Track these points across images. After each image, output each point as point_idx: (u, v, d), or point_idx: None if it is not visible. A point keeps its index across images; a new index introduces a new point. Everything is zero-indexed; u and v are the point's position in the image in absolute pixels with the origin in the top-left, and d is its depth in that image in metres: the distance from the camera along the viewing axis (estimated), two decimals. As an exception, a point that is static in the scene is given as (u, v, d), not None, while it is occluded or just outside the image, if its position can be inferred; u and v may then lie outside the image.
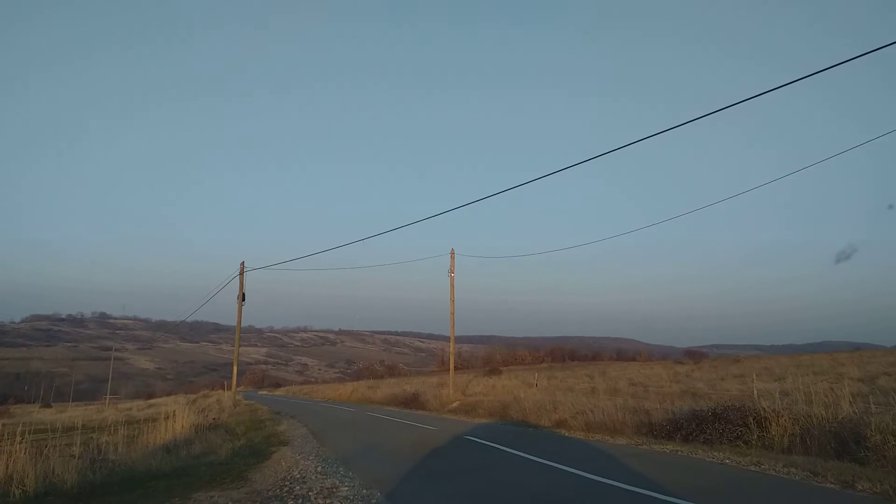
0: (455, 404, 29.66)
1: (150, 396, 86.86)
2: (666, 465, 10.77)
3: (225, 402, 37.93)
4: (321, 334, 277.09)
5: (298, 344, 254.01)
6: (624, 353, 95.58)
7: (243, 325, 37.69)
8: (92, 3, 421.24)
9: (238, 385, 40.64)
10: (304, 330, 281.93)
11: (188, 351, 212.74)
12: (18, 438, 10.93)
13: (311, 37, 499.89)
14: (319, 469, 11.46)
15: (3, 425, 34.47)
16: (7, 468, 10.11)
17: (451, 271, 32.73)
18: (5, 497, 9.33)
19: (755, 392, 17.85)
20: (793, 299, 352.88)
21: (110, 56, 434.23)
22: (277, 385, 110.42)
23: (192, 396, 55.87)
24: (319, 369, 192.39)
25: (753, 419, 12.89)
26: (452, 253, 32.87)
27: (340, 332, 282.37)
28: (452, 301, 32.81)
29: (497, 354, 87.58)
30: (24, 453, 10.61)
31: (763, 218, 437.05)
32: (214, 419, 23.32)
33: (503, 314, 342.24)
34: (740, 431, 12.89)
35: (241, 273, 35.67)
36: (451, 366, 35.23)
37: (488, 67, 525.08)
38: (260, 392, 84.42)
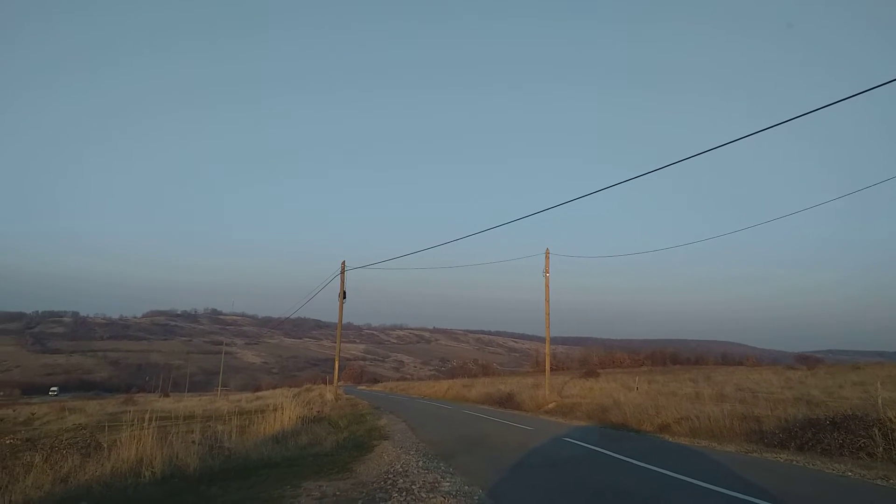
0: (551, 405, 29.36)
1: (257, 389, 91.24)
2: (780, 475, 10.22)
3: (327, 396, 39.31)
4: (416, 332, 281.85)
5: (395, 341, 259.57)
6: (730, 357, 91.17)
7: (343, 322, 38.92)
8: None
9: (338, 380, 41.97)
10: (400, 328, 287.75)
11: (291, 346, 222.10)
12: (146, 424, 11.83)
13: (401, 37, 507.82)
14: (421, 464, 11.66)
15: (129, 412, 37.39)
16: (137, 452, 10.97)
17: (546, 271, 32.40)
18: (137, 477, 10.11)
19: (880, 401, 16.61)
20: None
21: (218, 47, 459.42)
22: (375, 381, 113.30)
23: (295, 390, 58.21)
24: (415, 366, 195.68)
25: (878, 430, 12.00)
26: (547, 253, 32.55)
27: (435, 331, 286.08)
28: (547, 301, 32.48)
29: (593, 356, 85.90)
30: (152, 439, 11.46)
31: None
32: (318, 412, 24.19)
33: (600, 315, 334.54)
34: (863, 443, 12.02)
35: (342, 272, 36.83)
36: (547, 366, 34.91)
37: (582, 63, 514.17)
38: (359, 387, 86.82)
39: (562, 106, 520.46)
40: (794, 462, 11.57)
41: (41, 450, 11.77)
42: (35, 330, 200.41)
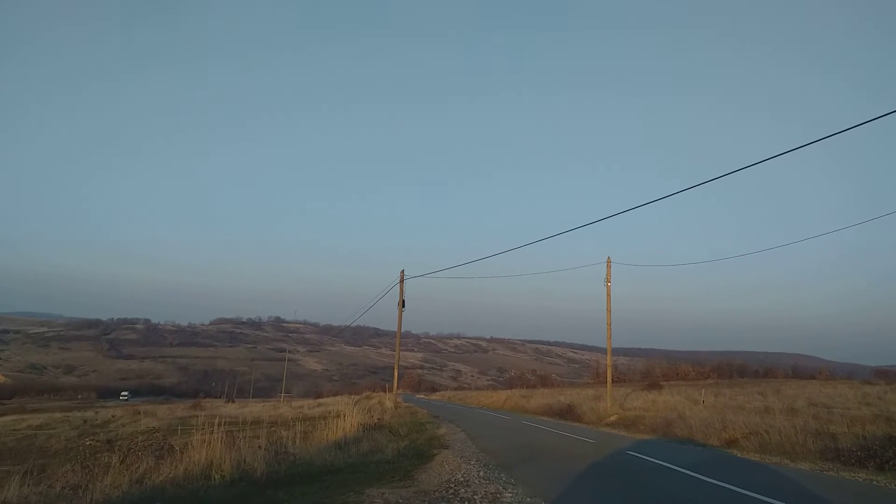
0: (613, 418, 28.81)
1: (319, 396, 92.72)
2: (859, 495, 9.75)
3: (386, 403, 39.66)
4: (473, 341, 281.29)
5: (452, 350, 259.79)
6: (801, 370, 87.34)
7: (401, 330, 39.22)
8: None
9: (397, 388, 42.31)
10: (458, 337, 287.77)
11: (351, 354, 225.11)
12: (215, 429, 12.22)
13: (465, 47, 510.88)
14: (482, 474, 11.63)
15: (197, 417, 38.67)
16: (207, 455, 11.35)
17: (608, 280, 31.85)
18: (207, 480, 10.46)
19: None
20: None
21: (276, 58, 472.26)
22: (433, 389, 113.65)
23: (355, 397, 58.93)
24: (472, 376, 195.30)
25: (971, 451, 11.31)
26: (609, 262, 32.03)
27: (492, 340, 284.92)
28: (609, 311, 31.93)
29: (656, 368, 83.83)
30: (220, 443, 11.84)
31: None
32: (378, 420, 24.44)
33: (663, 326, 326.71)
34: (952, 464, 11.35)
35: (401, 281, 37.17)
36: (609, 378, 34.28)
37: (634, 73, 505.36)
38: (417, 396, 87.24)
39: (605, 114, 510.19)
40: (875, 482, 11.01)
41: (118, 451, 12.30)
42: (110, 336, 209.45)
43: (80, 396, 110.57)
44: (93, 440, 15.34)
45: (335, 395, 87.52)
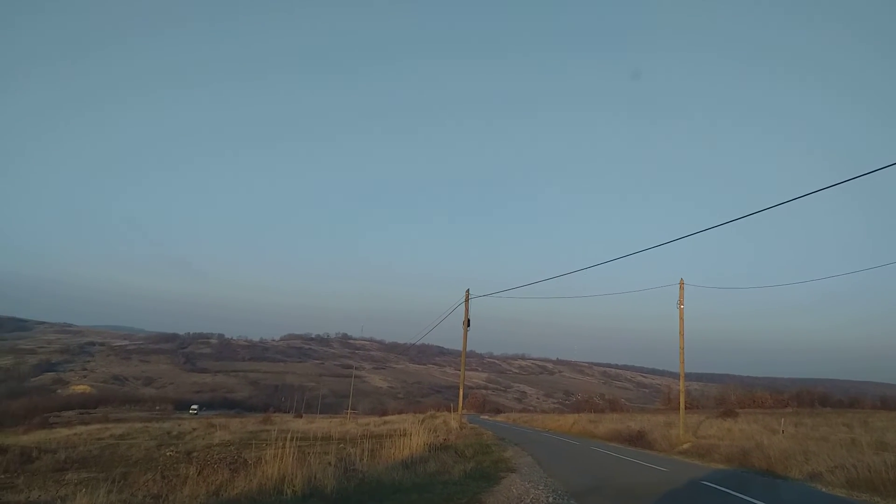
0: (686, 446, 27.79)
1: (384, 413, 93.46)
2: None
3: (451, 423, 39.54)
4: (539, 363, 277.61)
5: (517, 371, 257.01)
6: (890, 400, 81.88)
7: (466, 349, 39.15)
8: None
9: (462, 408, 42.13)
10: (523, 357, 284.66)
11: (416, 372, 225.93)
12: (287, 444, 12.47)
13: (540, 67, 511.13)
14: (550, 500, 11.43)
15: (267, 431, 39.63)
16: (279, 470, 11.59)
17: (680, 303, 30.91)
18: (279, 495, 10.67)
19: None
20: None
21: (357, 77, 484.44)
22: (497, 411, 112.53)
23: (420, 416, 59.03)
24: (537, 398, 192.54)
25: None
26: (681, 283, 31.09)
27: (558, 362, 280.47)
28: (682, 335, 30.95)
29: (731, 395, 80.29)
30: (292, 458, 12.07)
31: None
32: (444, 440, 24.40)
33: (738, 351, 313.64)
34: None
35: (467, 300, 37.17)
36: (682, 404, 33.15)
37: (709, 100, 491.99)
38: (482, 417, 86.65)
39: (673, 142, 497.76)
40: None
41: (195, 463, 12.73)
42: (186, 350, 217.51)
43: (157, 408, 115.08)
44: (172, 451, 15.93)
45: (400, 412, 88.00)
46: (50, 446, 29.36)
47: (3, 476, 20.25)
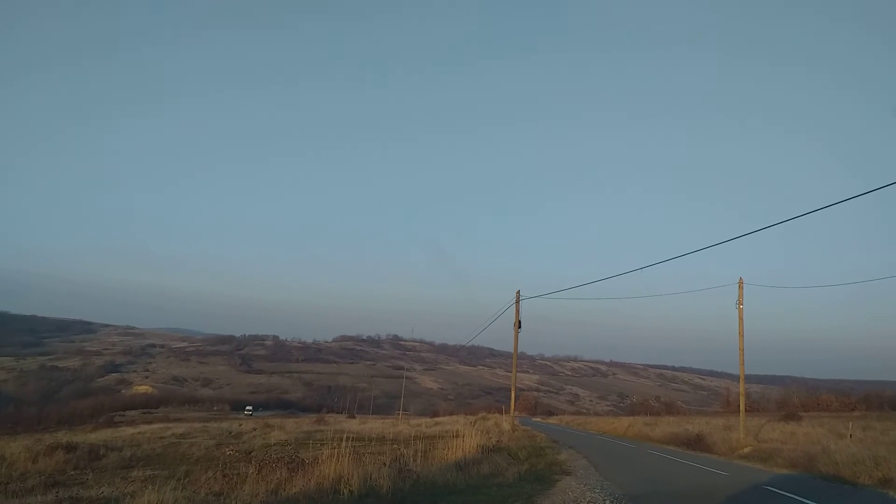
0: (746, 450, 26.96)
1: (435, 414, 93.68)
2: None
3: (503, 425, 39.40)
4: (592, 365, 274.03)
5: (569, 373, 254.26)
6: (966, 405, 77.84)
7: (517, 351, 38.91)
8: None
9: (514, 410, 41.89)
10: (575, 359, 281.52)
11: (466, 373, 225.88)
12: (343, 444, 12.61)
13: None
14: (607, 504, 11.24)
15: (321, 432, 40.21)
16: (336, 470, 11.72)
17: (740, 303, 30.01)
18: (336, 494, 10.80)
19: None
20: None
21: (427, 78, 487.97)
22: (549, 413, 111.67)
23: (471, 418, 58.99)
24: (591, 400, 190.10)
25: None
26: (741, 283, 30.18)
27: (612, 364, 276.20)
28: (741, 336, 30.06)
29: (794, 397, 77.51)
30: (348, 458, 12.20)
31: None
32: (497, 442, 24.31)
33: (801, 351, 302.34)
34: None
35: (517, 301, 36.94)
36: (742, 407, 32.18)
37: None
38: (533, 419, 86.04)
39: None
40: None
41: (254, 462, 12.99)
42: (242, 351, 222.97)
43: (215, 408, 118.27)
44: (232, 450, 16.30)
45: (450, 414, 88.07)
46: (116, 444, 30.44)
47: (73, 472, 21.05)
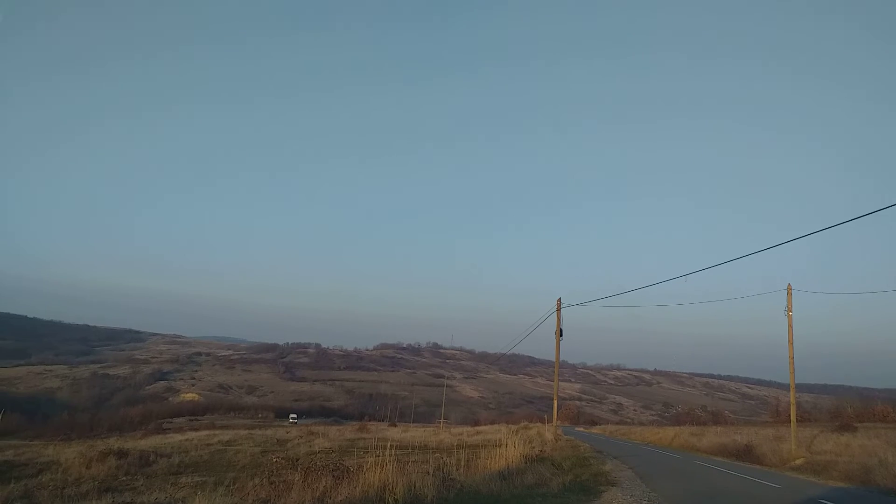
0: (798, 461, 26.14)
1: (476, 423, 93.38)
2: None
3: (546, 435, 39.03)
4: (635, 374, 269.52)
5: (612, 382, 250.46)
6: None
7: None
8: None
9: (556, 419, 41.44)
10: (618, 368, 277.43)
11: (507, 382, 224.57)
12: (387, 453, 12.66)
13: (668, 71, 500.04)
14: (655, 516, 11.02)
15: (364, 439, 40.44)
16: (380, 478, 11.77)
17: (789, 310, 29.18)
18: (381, 503, 10.84)
19: None
20: None
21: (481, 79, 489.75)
22: (592, 423, 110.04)
23: (513, 427, 58.58)
24: (634, 410, 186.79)
25: None
26: (789, 289, 29.36)
27: (656, 373, 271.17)
28: (791, 343, 29.19)
29: (848, 407, 74.79)
30: (392, 467, 12.24)
31: None
32: (540, 451, 24.06)
33: (855, 360, 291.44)
34: None
35: (558, 309, 36.62)
36: (793, 417, 31.21)
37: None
38: (576, 428, 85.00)
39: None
40: None
41: (300, 470, 13.14)
42: (286, 359, 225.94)
43: (259, 415, 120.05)
44: (277, 458, 16.52)
45: (492, 423, 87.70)
46: (165, 451, 31.18)
47: (125, 478, 21.65)
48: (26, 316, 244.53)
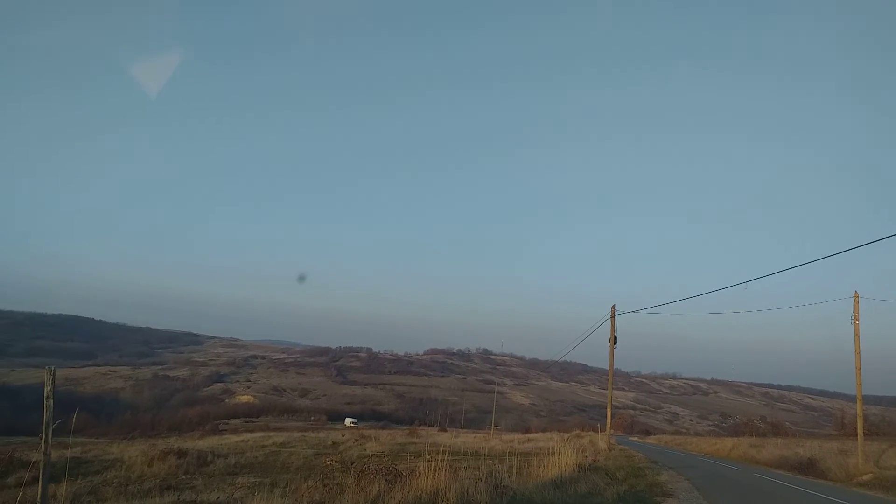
0: (866, 477, 25.02)
1: (527, 431, 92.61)
2: None
3: (599, 444, 38.49)
4: (692, 383, 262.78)
5: (667, 391, 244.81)
6: None
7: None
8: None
9: (610, 428, 40.80)
10: (673, 377, 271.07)
11: (558, 390, 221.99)
12: (440, 458, 12.69)
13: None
14: (714, 529, 10.73)
15: (415, 444, 40.64)
16: (433, 483, 11.81)
17: (855, 318, 28.05)
18: (434, 506, 10.88)
19: None
20: None
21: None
22: (647, 432, 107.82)
23: (565, 435, 57.94)
24: (690, 420, 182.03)
25: None
26: (856, 296, 28.19)
27: (713, 382, 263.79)
28: (857, 353, 28.03)
29: (919, 421, 71.53)
30: (445, 472, 12.26)
31: None
32: (593, 460, 23.75)
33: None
34: None
35: (612, 316, 36.14)
36: (860, 430, 29.90)
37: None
38: (630, 438, 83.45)
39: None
40: None
41: (353, 473, 13.29)
42: (338, 363, 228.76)
43: (312, 418, 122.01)
44: (331, 460, 16.77)
45: (543, 430, 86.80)
46: (221, 451, 31.99)
47: (184, 476, 22.32)
48: (93, 319, 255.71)
